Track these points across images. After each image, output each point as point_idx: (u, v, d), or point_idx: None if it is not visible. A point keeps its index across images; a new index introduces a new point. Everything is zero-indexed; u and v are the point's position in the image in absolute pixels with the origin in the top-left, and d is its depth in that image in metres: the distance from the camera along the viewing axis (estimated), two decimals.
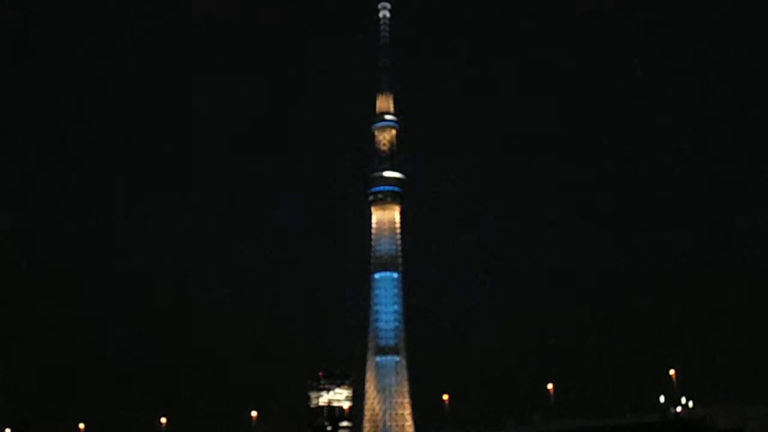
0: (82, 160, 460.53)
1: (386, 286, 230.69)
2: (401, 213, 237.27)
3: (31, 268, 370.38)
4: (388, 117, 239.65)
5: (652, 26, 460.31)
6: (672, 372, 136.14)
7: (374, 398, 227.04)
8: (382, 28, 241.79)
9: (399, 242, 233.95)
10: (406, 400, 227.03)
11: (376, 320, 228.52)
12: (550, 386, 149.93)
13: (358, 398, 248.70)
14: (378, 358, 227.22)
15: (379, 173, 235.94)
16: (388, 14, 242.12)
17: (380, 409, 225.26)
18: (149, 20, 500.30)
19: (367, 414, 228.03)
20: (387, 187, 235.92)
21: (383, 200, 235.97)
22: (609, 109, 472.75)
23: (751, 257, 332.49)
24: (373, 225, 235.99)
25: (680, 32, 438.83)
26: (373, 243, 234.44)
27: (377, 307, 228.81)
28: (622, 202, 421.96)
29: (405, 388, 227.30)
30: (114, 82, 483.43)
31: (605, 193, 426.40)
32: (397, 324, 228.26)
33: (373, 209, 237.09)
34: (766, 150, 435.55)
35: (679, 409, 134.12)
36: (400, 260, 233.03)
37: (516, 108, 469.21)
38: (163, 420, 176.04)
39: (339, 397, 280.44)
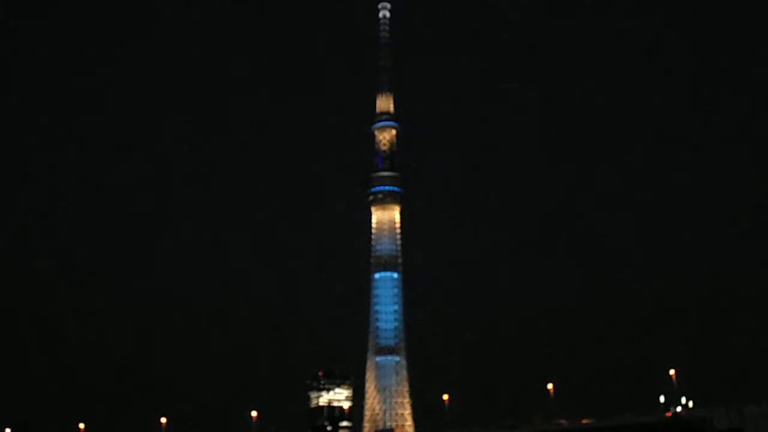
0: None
1: (386, 286, 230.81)
2: (401, 213, 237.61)
3: (31, 267, 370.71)
4: (388, 117, 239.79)
5: (658, 34, 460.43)
6: (672, 372, 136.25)
7: (374, 398, 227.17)
8: (382, 28, 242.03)
9: (399, 242, 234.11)
10: (406, 400, 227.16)
11: (376, 320, 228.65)
12: (550, 386, 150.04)
13: (358, 398, 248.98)
14: (378, 358, 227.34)
15: (379, 173, 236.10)
16: (388, 14, 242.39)
17: (380, 409, 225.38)
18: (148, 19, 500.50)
19: (367, 414, 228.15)
20: (387, 187, 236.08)
21: (383, 200, 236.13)
22: (609, 108, 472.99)
23: (751, 257, 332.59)
24: (373, 225, 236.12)
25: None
26: (373, 243, 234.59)
27: (377, 307, 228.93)
28: (621, 198, 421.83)
29: (405, 388, 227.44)
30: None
31: (605, 188, 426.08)
32: (397, 324, 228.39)
33: (373, 209, 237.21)
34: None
35: (679, 409, 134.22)
36: (400, 260, 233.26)
37: (516, 108, 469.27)
38: (163, 420, 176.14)
39: (339, 397, 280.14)
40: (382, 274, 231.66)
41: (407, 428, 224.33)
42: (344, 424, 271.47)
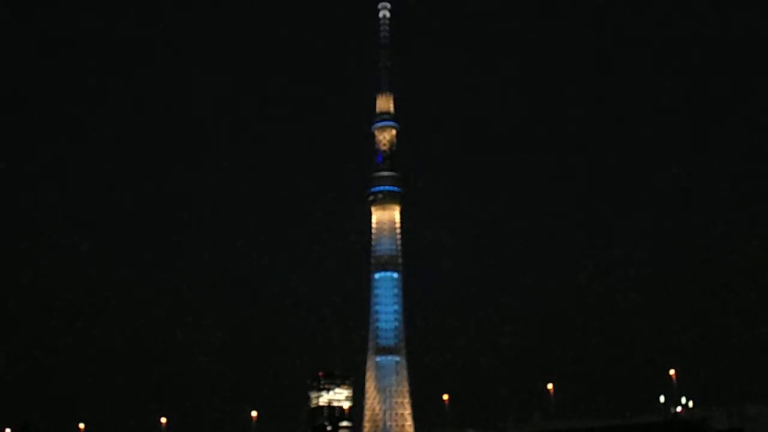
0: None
1: (386, 286, 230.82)
2: (401, 213, 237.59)
3: (31, 267, 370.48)
4: (388, 117, 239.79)
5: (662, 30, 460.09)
6: (672, 372, 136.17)
7: (374, 398, 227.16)
8: (382, 28, 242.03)
9: (399, 242, 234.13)
10: (406, 400, 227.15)
11: (376, 320, 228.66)
12: (550, 386, 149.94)
13: (358, 398, 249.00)
14: (378, 358, 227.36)
15: (379, 173, 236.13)
16: (388, 14, 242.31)
17: (380, 409, 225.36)
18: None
19: (367, 414, 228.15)
20: (387, 187, 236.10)
21: (383, 200, 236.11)
22: (607, 106, 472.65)
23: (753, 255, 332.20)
24: (373, 225, 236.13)
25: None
26: (373, 243, 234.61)
27: (377, 307, 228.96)
28: (620, 197, 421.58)
29: (405, 388, 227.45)
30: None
31: (605, 189, 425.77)
32: (397, 324, 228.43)
33: (373, 209, 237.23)
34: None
35: (679, 409, 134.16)
36: (400, 260, 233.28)
37: (516, 107, 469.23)
38: (163, 420, 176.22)
39: (339, 397, 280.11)
40: (382, 274, 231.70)
41: (407, 428, 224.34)
42: (344, 424, 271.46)
